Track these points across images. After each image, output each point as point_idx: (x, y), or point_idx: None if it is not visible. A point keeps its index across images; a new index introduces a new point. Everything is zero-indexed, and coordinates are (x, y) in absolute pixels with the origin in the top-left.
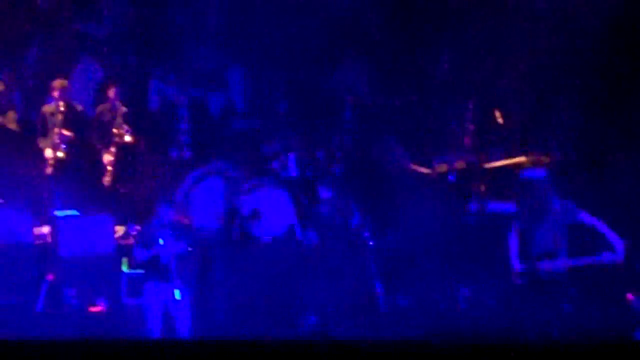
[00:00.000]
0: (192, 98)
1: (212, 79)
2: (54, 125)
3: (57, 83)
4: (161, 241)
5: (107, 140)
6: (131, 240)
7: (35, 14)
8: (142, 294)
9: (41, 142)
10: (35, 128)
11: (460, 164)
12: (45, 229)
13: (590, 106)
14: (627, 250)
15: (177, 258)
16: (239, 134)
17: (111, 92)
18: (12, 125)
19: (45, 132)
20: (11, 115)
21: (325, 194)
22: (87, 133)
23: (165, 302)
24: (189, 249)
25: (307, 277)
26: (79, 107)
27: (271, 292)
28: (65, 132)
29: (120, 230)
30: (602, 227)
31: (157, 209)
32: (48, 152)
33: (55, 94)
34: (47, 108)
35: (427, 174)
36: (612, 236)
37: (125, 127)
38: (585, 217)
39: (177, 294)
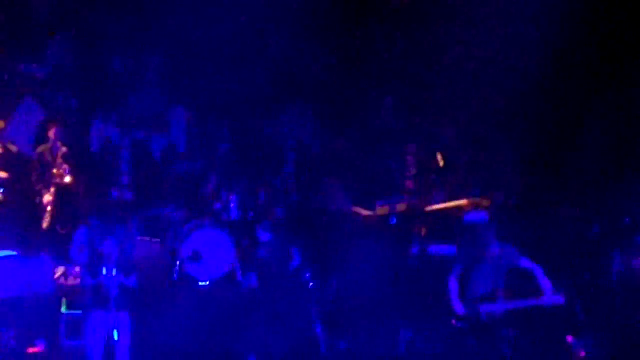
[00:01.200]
0: (133, 139)
1: (154, 121)
2: None
3: None
4: (104, 271)
5: (47, 181)
6: (71, 281)
7: None
8: (81, 335)
9: None
10: None
11: (401, 207)
12: None
13: (533, 150)
14: (567, 294)
15: (121, 289)
16: (180, 176)
17: (52, 133)
18: None
19: None
20: None
21: (264, 236)
22: (27, 173)
23: (106, 331)
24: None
25: (248, 320)
26: (14, 148)
27: (211, 334)
28: (1, 174)
29: (59, 270)
30: (540, 271)
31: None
32: None
33: None
34: None
35: (369, 217)
36: (551, 280)
37: (66, 167)
38: (525, 262)
39: (115, 335)
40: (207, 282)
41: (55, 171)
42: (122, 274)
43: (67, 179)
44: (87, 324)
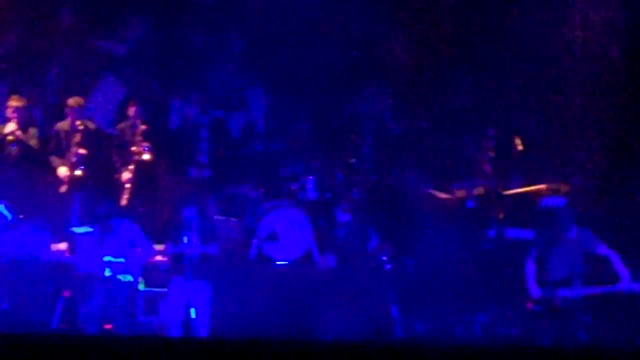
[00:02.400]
0: (212, 118)
1: (233, 100)
2: (69, 143)
3: (72, 101)
4: (185, 239)
5: (126, 158)
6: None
7: (58, 31)
8: (157, 312)
9: (54, 161)
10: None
11: (479, 190)
12: (63, 246)
13: (613, 134)
14: None
15: (202, 258)
16: (258, 155)
17: (131, 111)
18: (33, 142)
19: (59, 150)
20: (32, 131)
21: (343, 217)
22: (106, 151)
23: (186, 299)
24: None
25: (324, 300)
26: (93, 125)
27: (287, 314)
28: (81, 151)
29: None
30: (617, 258)
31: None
32: (62, 171)
33: (71, 111)
34: (62, 125)
35: (446, 200)
36: (629, 267)
37: (145, 145)
38: (602, 248)
39: (193, 313)
40: (284, 262)
41: (134, 148)
42: (204, 241)
43: (146, 157)
44: (167, 292)
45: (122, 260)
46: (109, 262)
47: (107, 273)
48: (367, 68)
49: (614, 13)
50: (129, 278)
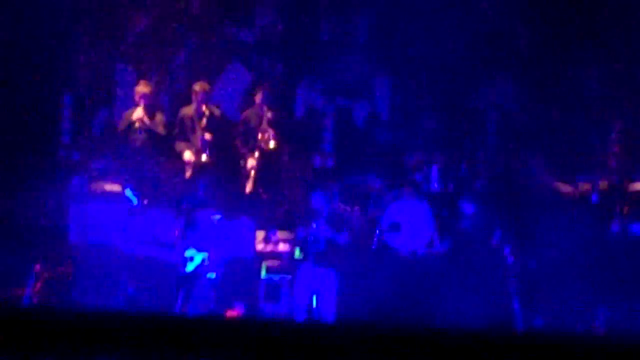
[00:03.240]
0: (337, 107)
1: (359, 89)
2: (194, 128)
3: (198, 86)
4: (314, 225)
5: (252, 145)
6: (271, 246)
7: (186, 17)
8: (279, 299)
9: (179, 145)
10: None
11: (604, 184)
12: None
13: None
14: None
15: (329, 244)
16: (382, 145)
17: (258, 97)
18: (160, 128)
19: (184, 135)
20: (159, 117)
21: (467, 208)
22: (231, 137)
23: (315, 286)
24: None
25: (446, 291)
26: (218, 111)
27: (409, 304)
28: (207, 136)
29: (260, 235)
30: None
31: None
32: (187, 155)
33: (196, 96)
34: (187, 110)
35: (569, 193)
36: None
37: (271, 132)
38: None
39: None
40: (406, 253)
41: (260, 135)
42: (333, 229)
43: (272, 144)
44: (294, 279)
45: (205, 254)
46: (192, 256)
47: (190, 268)
48: (494, 58)
49: None
50: (212, 275)
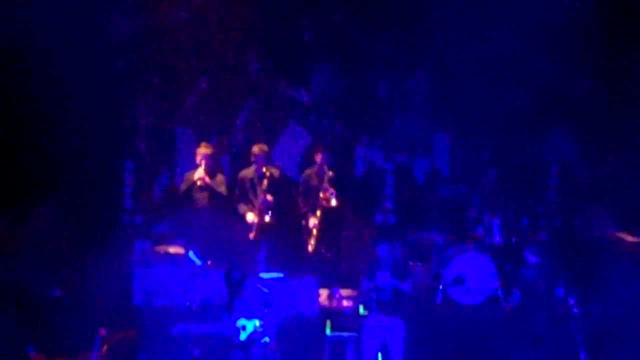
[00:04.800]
0: (397, 164)
1: (418, 145)
2: (255, 190)
3: (257, 148)
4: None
5: (313, 204)
6: (335, 304)
7: (246, 80)
8: (345, 357)
9: (242, 207)
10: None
11: None
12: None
13: None
14: None
15: (394, 293)
16: (443, 200)
17: (318, 157)
18: (221, 189)
19: (245, 197)
20: (220, 178)
21: (532, 259)
22: (293, 197)
23: (382, 335)
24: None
25: (511, 342)
26: (277, 172)
27: (474, 355)
28: (268, 197)
29: (324, 293)
30: None
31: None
32: (250, 217)
33: (256, 158)
34: (247, 172)
35: (634, 242)
36: None
37: (332, 191)
38: None
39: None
40: (470, 304)
41: (321, 195)
42: (397, 278)
43: (333, 203)
44: (363, 328)
45: (257, 322)
46: (243, 325)
47: (243, 337)
48: (553, 112)
49: None
50: (266, 339)
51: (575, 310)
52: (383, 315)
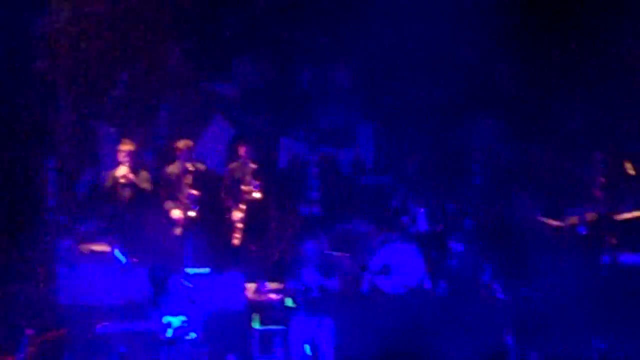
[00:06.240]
0: (321, 155)
1: (342, 135)
2: (181, 185)
3: (181, 143)
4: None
5: (237, 197)
6: (262, 297)
7: (167, 75)
8: (273, 350)
9: (167, 203)
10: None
11: (591, 216)
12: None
13: None
14: None
15: (321, 291)
16: (368, 190)
17: (242, 150)
18: (145, 185)
19: (171, 193)
20: (143, 174)
21: (456, 247)
22: (217, 191)
23: (311, 333)
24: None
25: (437, 329)
26: (203, 167)
27: (401, 344)
28: (194, 192)
29: (251, 287)
30: None
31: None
32: (176, 213)
33: (180, 154)
34: (172, 168)
35: (558, 227)
36: None
37: (256, 183)
38: None
39: (307, 349)
40: (397, 294)
41: (245, 188)
42: (323, 275)
43: (257, 195)
44: (288, 329)
45: (182, 317)
46: (169, 322)
47: (169, 333)
48: (475, 98)
49: None
50: (193, 335)
51: (501, 296)
52: (310, 314)
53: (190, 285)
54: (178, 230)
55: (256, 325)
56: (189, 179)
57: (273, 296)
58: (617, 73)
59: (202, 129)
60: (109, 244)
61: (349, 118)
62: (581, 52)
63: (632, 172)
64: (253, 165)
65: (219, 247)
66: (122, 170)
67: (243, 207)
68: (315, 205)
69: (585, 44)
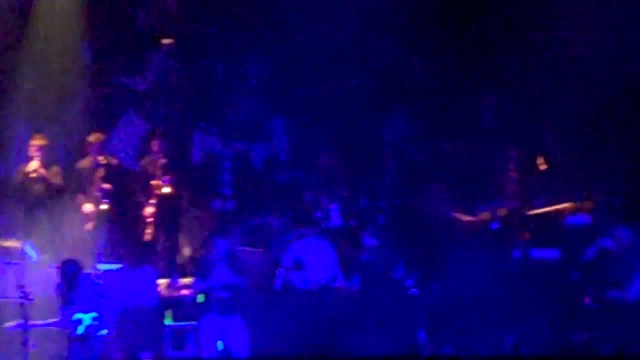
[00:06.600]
0: (235, 150)
1: (255, 131)
2: (92, 179)
3: (93, 137)
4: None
5: (149, 192)
6: (175, 293)
7: (79, 69)
8: (185, 346)
9: (78, 198)
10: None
11: (503, 211)
12: None
13: (637, 150)
14: None
15: (232, 290)
16: (281, 185)
17: (154, 145)
18: (57, 180)
19: (82, 187)
20: (55, 169)
21: (369, 242)
22: (129, 186)
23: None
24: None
25: (351, 324)
26: (114, 161)
27: (314, 340)
28: (105, 186)
29: (163, 282)
30: None
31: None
32: (87, 207)
33: (92, 148)
34: (84, 162)
35: (470, 222)
36: None
37: (165, 178)
38: None
39: (220, 345)
40: (310, 290)
41: (154, 182)
42: (234, 272)
43: (167, 190)
44: (200, 328)
45: (93, 314)
46: (80, 319)
47: (80, 330)
48: (389, 92)
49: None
50: (104, 332)
51: (414, 291)
52: (222, 310)
53: (101, 282)
54: (89, 225)
55: (169, 321)
56: (100, 172)
57: (185, 292)
58: (531, 68)
59: (114, 123)
60: (20, 239)
61: (262, 113)
62: (494, 48)
63: (543, 167)
64: (163, 160)
65: (130, 243)
66: (33, 165)
67: (154, 202)
68: (229, 200)
69: (499, 40)
